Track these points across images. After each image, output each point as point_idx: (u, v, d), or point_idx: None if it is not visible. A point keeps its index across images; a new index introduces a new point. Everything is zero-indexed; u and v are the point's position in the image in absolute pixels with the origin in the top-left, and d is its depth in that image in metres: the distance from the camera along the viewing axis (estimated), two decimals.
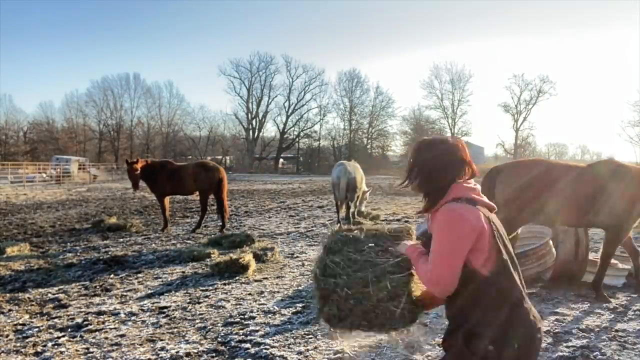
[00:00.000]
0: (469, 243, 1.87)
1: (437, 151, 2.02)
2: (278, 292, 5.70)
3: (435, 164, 2.01)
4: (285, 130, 72.45)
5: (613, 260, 6.43)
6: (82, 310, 4.96)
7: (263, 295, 5.57)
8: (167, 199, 10.80)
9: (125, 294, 5.56)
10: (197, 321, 4.64)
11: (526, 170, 5.59)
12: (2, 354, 3.84)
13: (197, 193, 10.60)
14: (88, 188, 26.27)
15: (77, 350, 3.90)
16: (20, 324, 4.52)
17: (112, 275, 6.41)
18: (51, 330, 4.36)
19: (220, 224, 10.56)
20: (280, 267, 7.09)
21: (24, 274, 6.51)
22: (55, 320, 4.65)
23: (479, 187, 2.06)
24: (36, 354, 3.85)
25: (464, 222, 1.87)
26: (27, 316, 4.77)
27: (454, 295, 1.93)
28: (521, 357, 1.88)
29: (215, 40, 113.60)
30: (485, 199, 2.04)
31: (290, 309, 5.04)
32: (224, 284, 6.01)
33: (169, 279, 6.27)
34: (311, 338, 4.21)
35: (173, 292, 5.67)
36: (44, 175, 34.21)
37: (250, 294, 5.58)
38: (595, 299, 5.36)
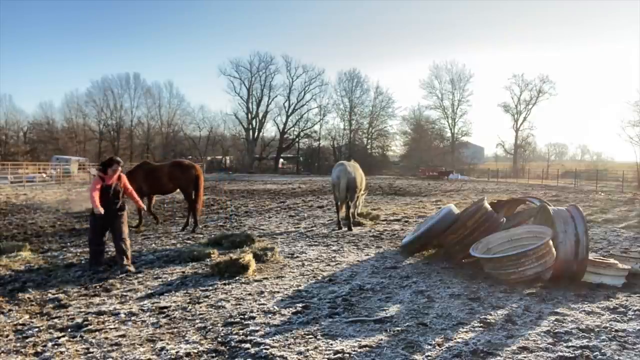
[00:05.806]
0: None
1: None
2: (278, 292, 5.70)
3: None
4: (285, 130, 72.41)
5: (613, 260, 6.44)
6: (82, 310, 4.96)
7: (263, 295, 5.57)
8: (152, 199, 11.35)
9: (125, 294, 5.56)
10: (197, 321, 4.64)
11: None
12: (2, 354, 3.83)
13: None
14: (88, 188, 26.22)
15: (77, 350, 3.90)
16: (20, 324, 4.52)
17: (112, 275, 6.41)
18: (51, 330, 4.36)
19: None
20: (280, 267, 7.09)
21: (24, 274, 6.51)
22: (55, 320, 4.64)
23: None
24: (36, 354, 3.85)
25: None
26: (27, 316, 4.76)
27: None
28: None
29: (215, 40, 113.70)
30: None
31: (290, 309, 5.04)
32: (224, 284, 6.01)
33: (169, 279, 6.27)
34: (311, 338, 4.20)
35: (173, 292, 5.67)
36: (44, 175, 34.23)
37: (250, 294, 5.58)
38: None
